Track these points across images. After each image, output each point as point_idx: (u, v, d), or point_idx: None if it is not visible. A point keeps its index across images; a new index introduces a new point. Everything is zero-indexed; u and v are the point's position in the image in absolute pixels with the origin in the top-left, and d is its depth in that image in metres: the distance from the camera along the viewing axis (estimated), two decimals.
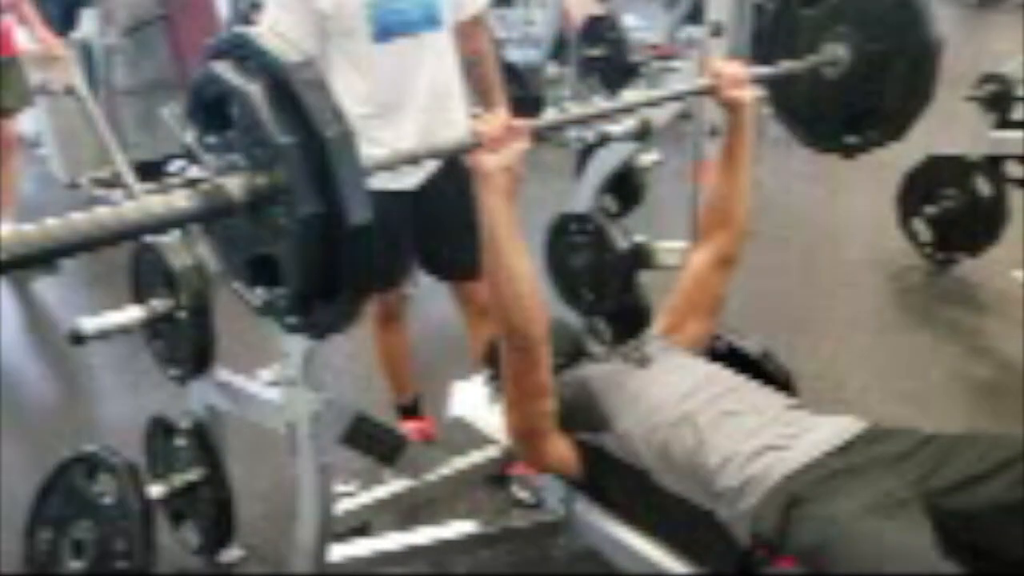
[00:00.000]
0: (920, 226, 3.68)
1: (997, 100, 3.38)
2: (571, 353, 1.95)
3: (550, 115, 1.64)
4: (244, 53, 1.01)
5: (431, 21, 2.13)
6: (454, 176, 2.16)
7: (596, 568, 1.89)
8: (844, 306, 3.55)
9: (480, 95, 2.35)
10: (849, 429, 1.55)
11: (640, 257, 2.48)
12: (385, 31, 2.07)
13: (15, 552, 2.05)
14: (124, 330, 1.96)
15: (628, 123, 2.29)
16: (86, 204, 4.44)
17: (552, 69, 5.84)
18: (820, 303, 3.59)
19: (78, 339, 1.87)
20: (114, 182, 4.17)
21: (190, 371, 2.03)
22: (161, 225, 0.99)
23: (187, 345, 1.99)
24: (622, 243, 2.44)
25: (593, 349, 2.18)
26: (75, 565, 1.96)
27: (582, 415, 1.72)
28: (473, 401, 2.21)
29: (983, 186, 3.43)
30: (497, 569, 2.15)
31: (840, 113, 1.89)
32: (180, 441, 2.12)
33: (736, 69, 1.76)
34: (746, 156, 1.83)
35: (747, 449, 1.51)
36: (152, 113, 4.69)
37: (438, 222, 2.28)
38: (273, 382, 1.94)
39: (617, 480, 1.70)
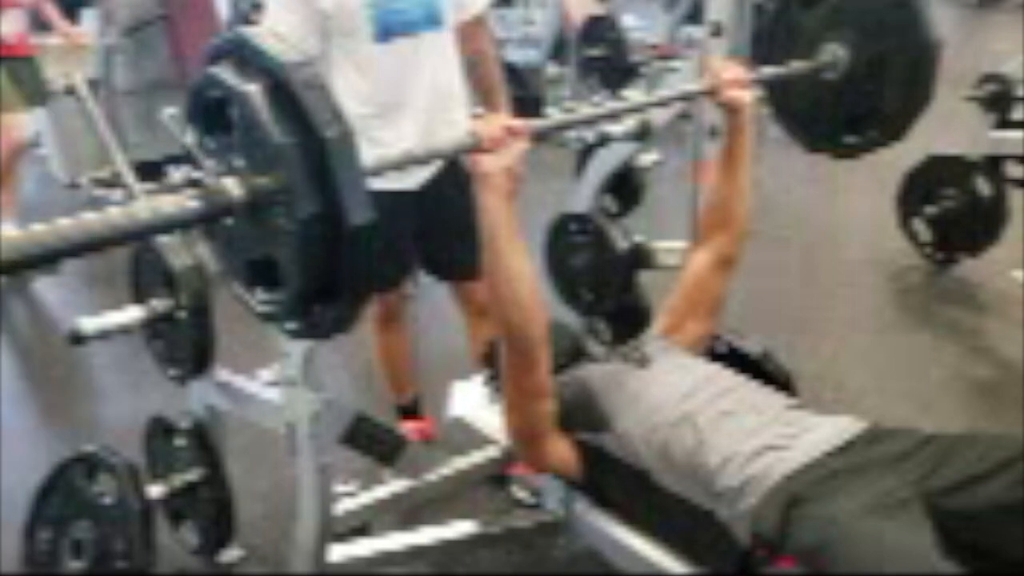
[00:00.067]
0: (920, 226, 3.68)
1: (997, 100, 3.38)
2: (571, 353, 1.95)
3: (550, 115, 1.64)
4: (243, 54, 1.01)
5: (432, 21, 2.13)
6: (455, 176, 2.16)
7: (596, 568, 1.89)
8: (844, 306, 3.55)
9: (481, 95, 2.35)
10: (849, 429, 1.55)
11: (640, 257, 2.48)
12: (386, 31, 2.07)
13: (15, 552, 2.05)
14: (124, 330, 1.95)
15: (628, 123, 2.29)
16: (86, 204, 4.46)
17: (552, 69, 5.84)
18: (820, 303, 3.59)
19: (78, 339, 1.87)
20: (114, 182, 4.17)
21: (190, 371, 2.03)
22: (160, 227, 0.99)
23: (187, 345, 1.99)
24: (622, 243, 2.44)
25: (593, 349, 2.18)
26: (75, 565, 1.96)
27: (582, 415, 1.72)
28: (473, 401, 2.22)
29: (983, 186, 3.44)
30: (497, 569, 2.15)
31: (840, 114, 1.89)
32: (180, 441, 2.12)
33: (736, 70, 1.76)
34: (746, 156, 1.83)
35: (747, 449, 1.51)
36: (152, 113, 4.69)
37: (439, 222, 2.28)
38: (273, 382, 1.94)
39: (617, 480, 1.70)
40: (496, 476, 2.22)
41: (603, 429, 1.69)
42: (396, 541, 1.99)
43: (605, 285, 2.49)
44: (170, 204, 0.96)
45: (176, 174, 3.81)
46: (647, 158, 2.72)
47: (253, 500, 2.35)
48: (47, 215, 0.91)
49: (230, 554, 2.19)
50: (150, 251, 1.97)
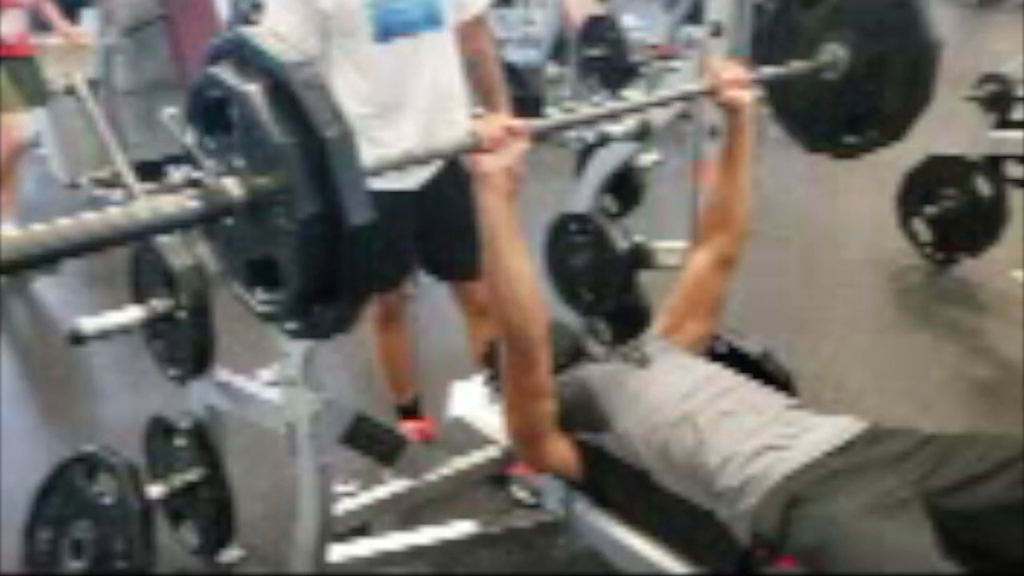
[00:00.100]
0: (920, 226, 3.68)
1: (997, 100, 3.39)
2: (571, 353, 1.95)
3: (550, 116, 1.64)
4: (243, 55, 1.01)
5: (432, 21, 2.13)
6: (455, 176, 2.16)
7: (596, 568, 1.89)
8: (844, 306, 3.55)
9: (482, 95, 2.35)
10: (849, 429, 1.55)
11: (640, 257, 2.48)
12: (386, 31, 2.07)
13: (15, 552, 2.05)
14: (124, 330, 1.96)
15: (628, 123, 2.29)
16: (86, 204, 4.45)
17: (552, 69, 5.84)
18: (820, 303, 3.59)
19: (78, 339, 1.87)
20: (114, 182, 4.17)
21: (190, 371, 2.03)
22: (161, 227, 0.98)
23: (187, 345, 1.99)
24: (622, 243, 2.44)
25: (593, 349, 2.18)
26: (75, 565, 1.96)
27: (582, 415, 1.72)
28: (473, 401, 2.22)
29: (983, 186, 3.44)
30: (497, 569, 2.15)
31: (840, 114, 1.89)
32: (180, 441, 2.12)
33: (736, 70, 1.76)
34: (746, 157, 1.83)
35: (747, 449, 1.51)
36: (152, 113, 4.69)
37: (439, 222, 2.28)
38: (273, 382, 1.94)
39: (617, 480, 1.70)
40: (496, 476, 2.22)
41: (603, 429, 1.69)
42: (396, 541, 1.99)
43: (605, 285, 2.49)
44: (170, 204, 0.96)
45: (176, 174, 3.81)
46: (647, 158, 2.72)
47: (253, 500, 2.35)
48: (47, 215, 0.91)
49: (230, 554, 2.19)
50: (150, 251, 1.97)
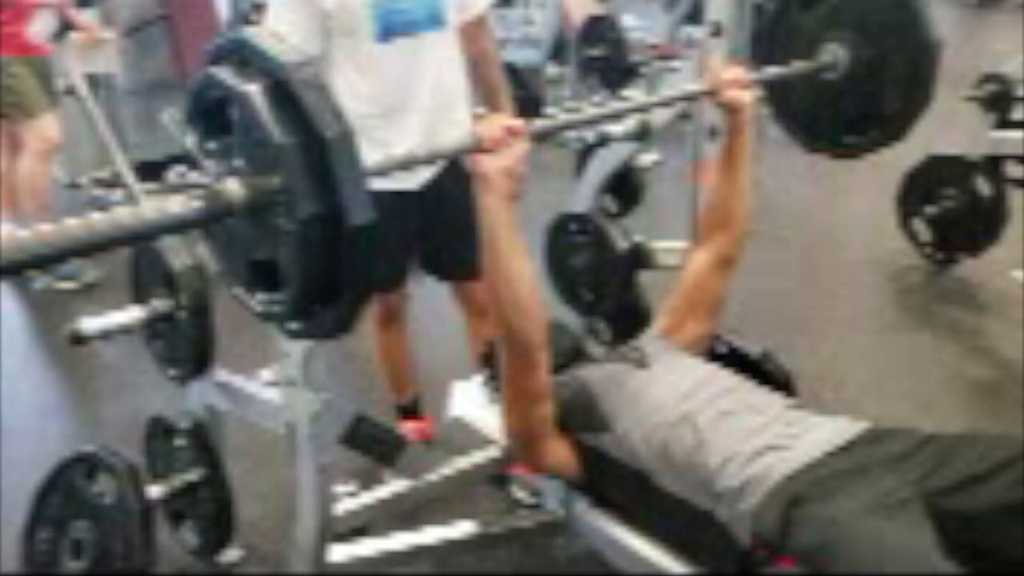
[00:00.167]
0: (920, 226, 3.68)
1: (997, 100, 3.39)
2: (571, 353, 1.95)
3: (550, 116, 1.64)
4: (243, 56, 1.01)
5: (435, 21, 2.13)
6: (456, 176, 2.16)
7: (596, 568, 1.89)
8: (844, 306, 3.55)
9: (484, 96, 2.35)
10: (849, 429, 1.55)
11: (640, 257, 2.48)
12: (388, 31, 2.07)
13: (15, 552, 2.05)
14: (125, 330, 1.96)
15: (628, 123, 2.29)
16: (86, 204, 4.45)
17: (552, 69, 5.85)
18: (820, 303, 3.59)
19: (78, 339, 1.87)
20: (114, 182, 4.17)
21: (190, 371, 2.03)
22: (161, 230, 0.98)
23: (187, 345, 1.99)
24: (622, 243, 2.44)
25: (593, 349, 2.18)
26: (74, 565, 1.96)
27: (581, 415, 1.72)
28: (473, 401, 2.21)
29: (983, 186, 3.43)
30: (497, 569, 2.15)
31: (840, 114, 1.89)
32: (180, 441, 2.12)
33: (736, 70, 1.76)
34: (746, 157, 1.83)
35: (747, 449, 1.51)
36: (152, 113, 4.71)
37: (440, 222, 2.28)
38: (273, 382, 1.94)
39: (616, 481, 1.70)
40: (496, 476, 2.22)
41: (603, 429, 1.69)
42: (396, 541, 1.99)
43: (605, 285, 2.49)
44: (170, 206, 0.96)
45: (170, 174, 3.82)
46: (647, 158, 2.72)
47: (253, 500, 2.35)
48: (47, 215, 0.91)
49: (230, 554, 2.19)
50: (150, 251, 1.97)
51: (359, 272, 1.01)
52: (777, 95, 2.00)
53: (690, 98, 1.92)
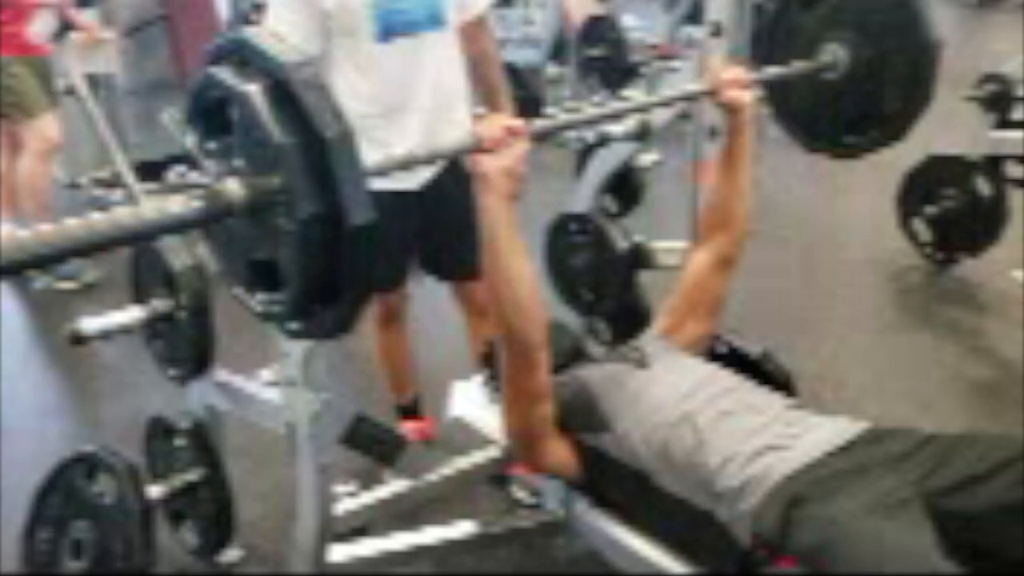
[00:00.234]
0: (920, 226, 3.68)
1: (997, 100, 3.39)
2: (571, 353, 1.95)
3: (550, 116, 1.64)
4: (243, 55, 1.01)
5: (435, 21, 2.13)
6: (456, 176, 2.16)
7: (596, 568, 1.89)
8: (844, 306, 3.55)
9: (484, 96, 2.35)
10: (849, 429, 1.55)
11: (640, 257, 2.48)
12: (388, 31, 2.07)
13: (15, 552, 2.05)
14: (125, 330, 1.96)
15: (628, 123, 2.29)
16: (86, 204, 4.45)
17: (552, 69, 5.85)
18: (820, 303, 3.59)
19: (78, 339, 1.87)
20: (114, 182, 4.17)
21: (190, 371, 2.03)
22: (161, 230, 0.98)
23: (187, 345, 1.99)
24: (622, 243, 2.44)
25: (593, 349, 2.18)
26: (74, 565, 1.96)
27: (581, 415, 1.72)
28: (473, 401, 2.22)
29: (983, 186, 3.44)
30: (497, 569, 2.15)
31: (840, 114, 1.89)
32: (180, 441, 2.12)
33: (736, 70, 1.76)
34: (746, 157, 1.83)
35: (747, 449, 1.51)
36: (152, 113, 4.71)
37: (440, 222, 2.28)
38: (273, 382, 1.94)
39: (616, 481, 1.70)
40: (496, 476, 2.22)
41: (603, 429, 1.68)
42: (396, 541, 1.99)
43: (605, 285, 2.49)
44: (171, 207, 0.96)
45: (170, 174, 3.82)
46: (647, 158, 2.72)
47: (253, 500, 2.35)
48: (47, 215, 0.91)
49: (230, 554, 2.19)
50: (150, 251, 1.97)
51: (359, 272, 1.01)
52: (777, 95, 2.00)
53: (690, 98, 1.92)
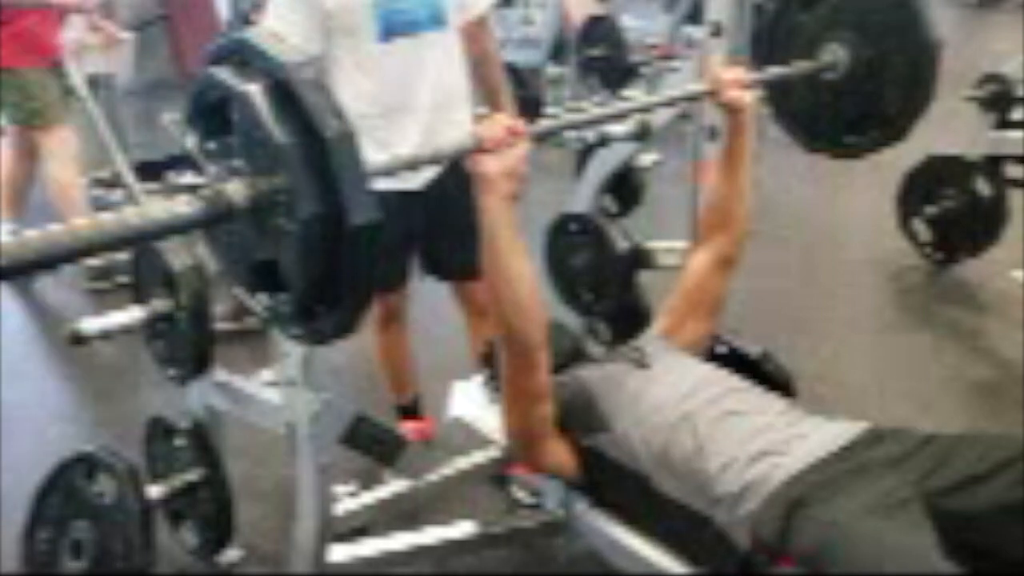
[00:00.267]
0: (920, 226, 3.68)
1: (997, 100, 3.39)
2: (571, 353, 1.95)
3: (551, 116, 1.64)
4: (243, 56, 1.01)
5: (436, 21, 2.13)
6: (457, 176, 2.16)
7: (596, 568, 1.89)
8: (844, 306, 3.55)
9: (485, 96, 2.35)
10: (849, 430, 1.55)
11: (639, 257, 2.48)
12: (389, 30, 2.07)
13: (15, 552, 2.05)
14: (125, 330, 1.96)
15: (628, 123, 2.29)
16: (86, 204, 4.44)
17: (552, 69, 5.84)
18: (820, 303, 3.59)
19: (78, 340, 1.87)
20: (114, 182, 4.17)
21: (190, 371, 2.03)
22: (162, 231, 0.98)
23: (187, 345, 1.99)
24: (622, 243, 2.45)
25: (593, 349, 2.18)
26: (74, 565, 1.96)
27: (581, 416, 1.72)
28: (473, 401, 2.22)
29: (983, 186, 3.44)
30: (497, 569, 2.15)
31: (840, 114, 1.89)
32: (180, 441, 2.12)
33: (736, 71, 1.76)
34: (746, 157, 1.83)
35: (747, 453, 1.51)
36: (152, 113, 4.71)
37: (441, 222, 2.28)
38: (273, 382, 1.94)
39: (615, 482, 1.70)
40: (496, 476, 2.22)
41: (602, 429, 1.68)
42: (396, 541, 1.99)
43: (605, 285, 2.49)
44: (172, 208, 0.96)
45: (170, 174, 3.82)
46: (647, 158, 2.72)
47: (253, 500, 2.35)
48: (47, 216, 0.91)
49: (230, 554, 2.19)
50: (150, 251, 1.97)
51: (360, 273, 1.01)
52: (777, 95, 2.00)
53: (690, 98, 1.92)
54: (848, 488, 1.40)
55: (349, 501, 1.99)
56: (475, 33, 2.25)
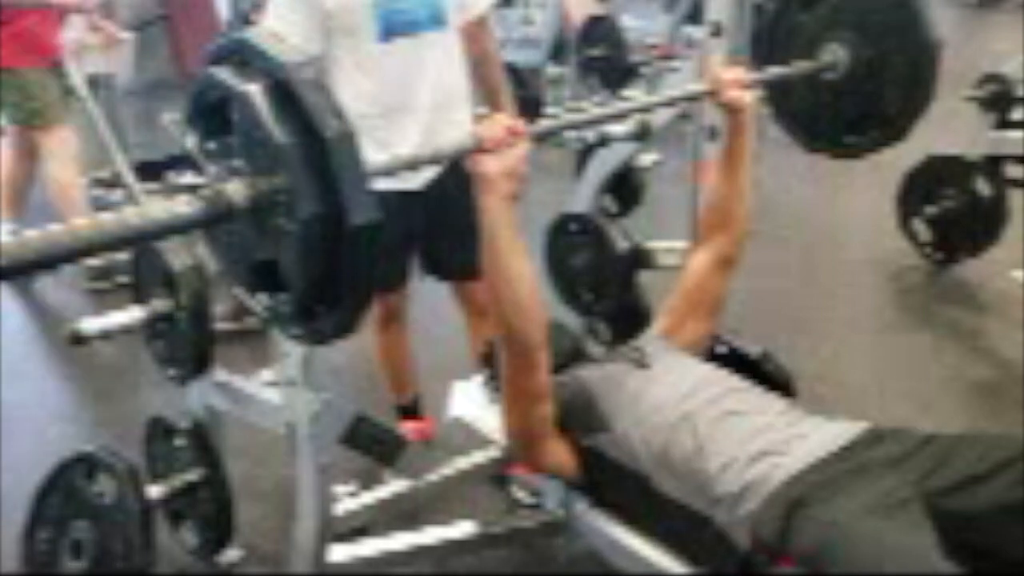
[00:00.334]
0: (920, 226, 3.68)
1: (997, 100, 3.39)
2: (570, 354, 1.95)
3: (551, 116, 1.64)
4: (243, 56, 1.01)
5: (436, 21, 2.13)
6: (458, 176, 2.16)
7: (596, 568, 1.89)
8: (844, 306, 3.55)
9: (485, 96, 2.35)
10: (849, 430, 1.55)
11: (639, 257, 2.48)
12: (389, 30, 2.07)
13: (15, 552, 2.05)
14: (125, 330, 1.96)
15: (628, 123, 2.29)
16: (86, 204, 4.44)
17: (552, 69, 5.84)
18: (820, 303, 3.59)
19: (78, 340, 1.87)
20: (114, 182, 4.17)
21: (190, 371, 2.03)
22: (163, 231, 0.98)
23: (187, 345, 1.99)
24: (622, 243, 2.45)
25: (593, 349, 2.18)
26: (74, 565, 1.96)
27: (581, 415, 1.72)
28: (473, 401, 2.22)
29: (983, 186, 3.44)
30: (497, 569, 2.15)
31: (840, 114, 1.89)
32: (180, 441, 2.12)
33: (736, 71, 1.76)
34: (746, 157, 1.83)
35: (747, 453, 1.51)
36: (152, 113, 4.71)
37: (441, 222, 2.28)
38: (273, 382, 1.94)
39: (615, 482, 1.70)
40: (496, 476, 2.22)
41: (602, 429, 1.68)
42: (396, 541, 1.99)
43: (605, 285, 2.49)
44: (172, 208, 0.96)
45: (170, 173, 3.82)
46: (647, 158, 2.72)
47: (253, 500, 2.35)
48: (47, 216, 0.91)
49: (230, 554, 2.19)
50: (150, 251, 1.97)
51: (360, 273, 1.01)
52: (777, 95, 2.00)
53: (690, 98, 1.92)
54: (848, 488, 1.40)
55: (349, 501, 1.99)
56: (475, 33, 2.25)
